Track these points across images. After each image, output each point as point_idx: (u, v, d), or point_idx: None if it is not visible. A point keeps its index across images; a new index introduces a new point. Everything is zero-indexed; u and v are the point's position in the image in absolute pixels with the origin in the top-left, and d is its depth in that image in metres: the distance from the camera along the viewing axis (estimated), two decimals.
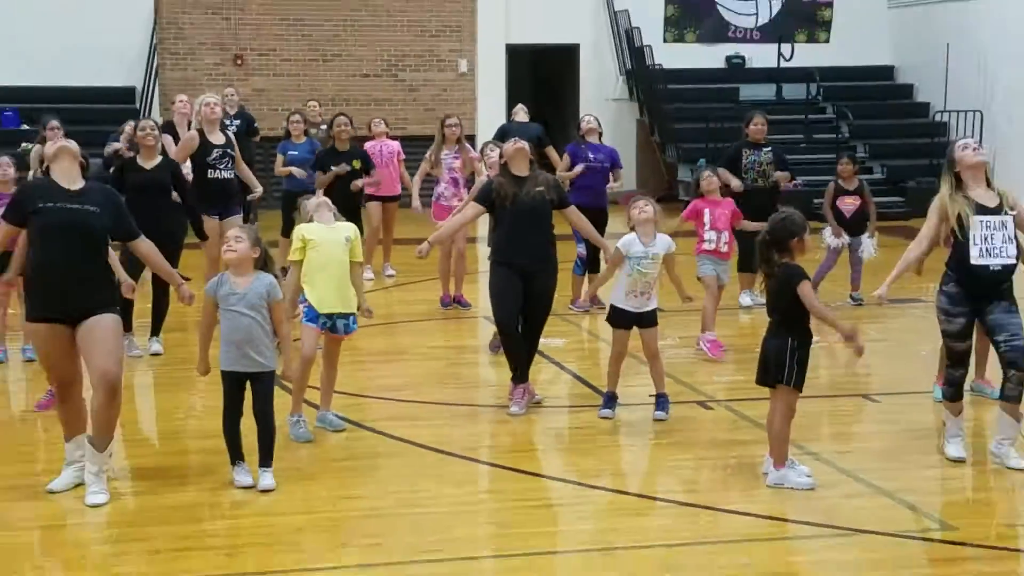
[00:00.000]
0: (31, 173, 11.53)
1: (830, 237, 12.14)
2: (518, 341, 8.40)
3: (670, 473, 7.27)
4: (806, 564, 5.80)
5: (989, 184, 7.22)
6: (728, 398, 8.76)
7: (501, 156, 8.74)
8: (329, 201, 7.97)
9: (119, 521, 6.34)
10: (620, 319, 8.14)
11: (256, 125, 17.07)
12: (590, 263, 11.65)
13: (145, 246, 6.99)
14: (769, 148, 11.96)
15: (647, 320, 8.12)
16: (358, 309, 7.83)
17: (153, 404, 9.06)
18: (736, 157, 11.84)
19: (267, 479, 6.74)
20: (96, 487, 6.59)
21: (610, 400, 8.29)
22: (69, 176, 6.70)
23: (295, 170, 13.27)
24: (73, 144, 6.92)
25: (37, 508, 6.51)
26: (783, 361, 6.72)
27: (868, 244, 12.26)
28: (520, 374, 8.42)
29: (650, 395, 8.32)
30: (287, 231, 11.79)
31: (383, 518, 6.34)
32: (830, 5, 23.71)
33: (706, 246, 10.28)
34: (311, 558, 5.84)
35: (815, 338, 6.87)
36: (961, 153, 7.20)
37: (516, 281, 8.31)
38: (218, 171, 11.04)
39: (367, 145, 13.66)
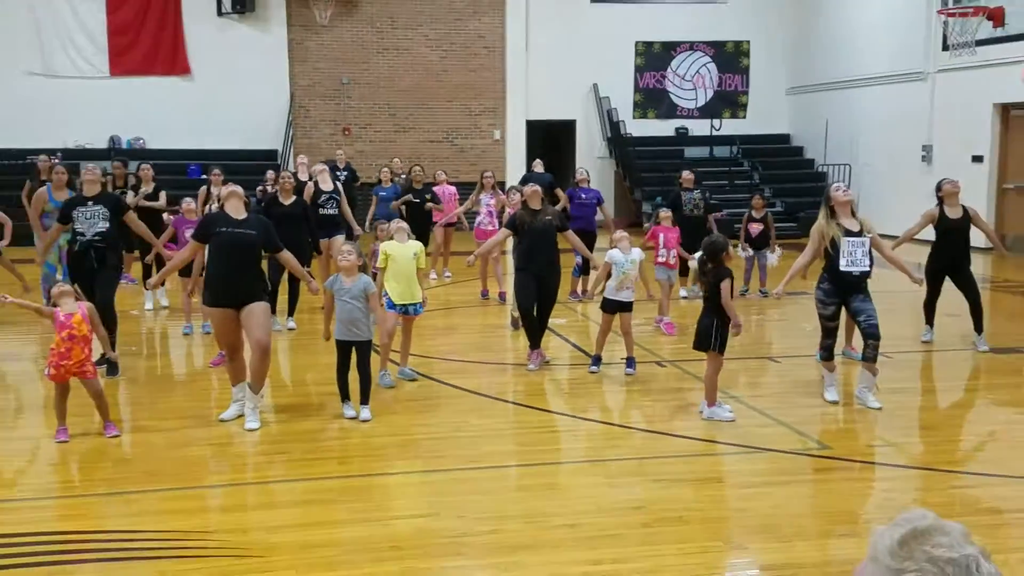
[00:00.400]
0: (207, 207, 11.63)
1: (741, 250, 12.16)
2: (534, 321, 8.41)
3: (638, 409, 7.28)
4: (730, 472, 5.80)
5: (854, 214, 7.19)
6: (675, 359, 8.76)
7: (522, 195, 8.73)
8: (407, 227, 7.98)
9: (267, 440, 6.40)
10: (609, 306, 8.14)
11: (358, 175, 17.13)
12: (583, 268, 11.66)
13: (286, 255, 7.03)
14: (698, 190, 11.91)
15: (626, 307, 8.12)
16: (422, 299, 7.85)
17: (289, 362, 9.11)
18: (677, 197, 11.82)
19: (365, 412, 6.78)
20: (252, 417, 6.63)
21: (596, 361, 8.28)
22: (236, 209, 6.75)
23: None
24: (239, 188, 6.98)
25: (211, 431, 6.58)
26: (711, 334, 6.71)
27: (772, 256, 12.26)
28: (534, 343, 8.42)
29: (622, 358, 8.32)
30: None
31: (441, 439, 6.36)
32: (747, 92, 23.62)
33: (660, 259, 10.31)
34: (394, 465, 5.87)
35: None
36: (834, 193, 7.17)
37: (532, 281, 8.31)
38: (326, 209, 11.00)
39: (434, 189, 13.67)
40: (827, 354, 7.28)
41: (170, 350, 9.68)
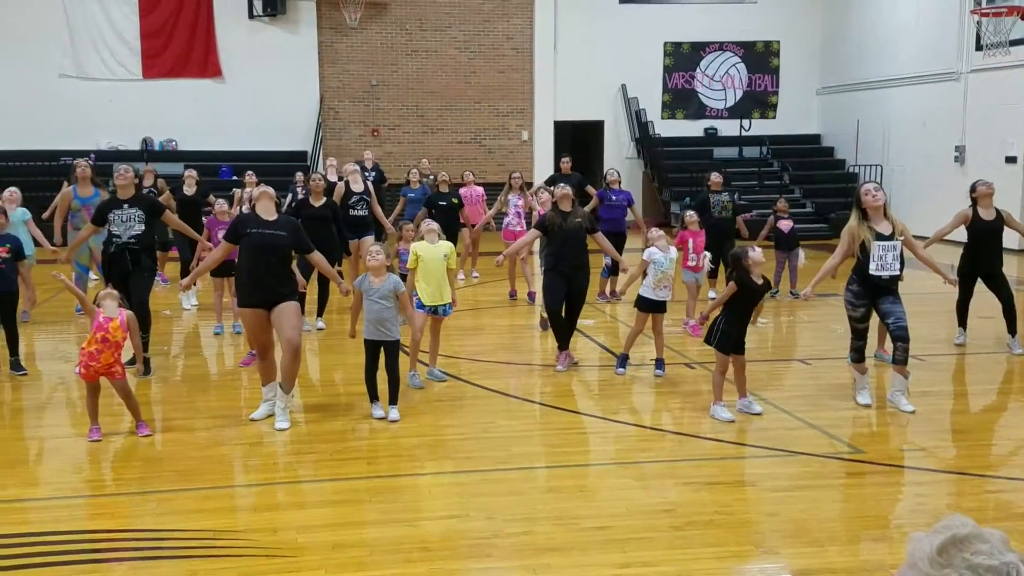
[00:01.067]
0: (239, 208, 11.74)
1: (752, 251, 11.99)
2: (562, 322, 8.39)
3: (667, 412, 7.23)
4: (761, 475, 5.74)
5: (886, 215, 7.10)
6: (703, 361, 8.70)
7: (552, 196, 8.71)
8: (438, 227, 7.98)
9: (296, 440, 6.42)
10: (645, 305, 8.09)
11: (386, 176, 17.20)
12: (612, 269, 11.62)
13: (316, 256, 7.05)
14: (726, 192, 11.79)
15: (661, 307, 8.10)
16: (451, 300, 7.86)
17: (318, 362, 9.15)
18: (705, 199, 11.69)
19: (394, 413, 6.79)
20: (282, 417, 6.66)
21: (623, 361, 8.25)
22: (268, 210, 6.78)
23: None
24: (271, 189, 7.01)
25: (242, 431, 6.61)
26: (712, 328, 6.74)
27: (801, 255, 12.18)
28: (563, 344, 8.40)
29: (651, 359, 8.27)
30: None
31: (470, 440, 6.35)
32: (776, 92, 23.47)
33: (689, 263, 10.24)
34: (423, 466, 5.87)
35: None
36: (864, 197, 7.07)
37: (561, 282, 8.29)
38: (356, 210, 11.04)
39: (462, 190, 13.67)
40: (858, 356, 7.21)
41: (202, 350, 9.76)
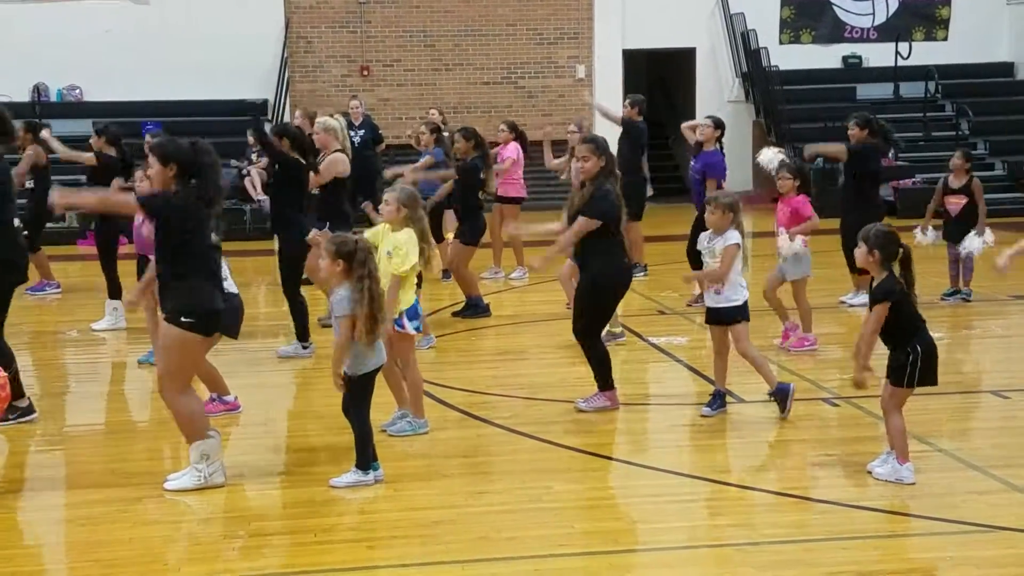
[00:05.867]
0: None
1: (921, 233, 11.80)
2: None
3: (794, 470, 7.18)
4: (944, 561, 5.64)
5: None
6: (848, 395, 8.57)
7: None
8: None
9: (260, 514, 6.42)
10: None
11: (382, 134, 17.19)
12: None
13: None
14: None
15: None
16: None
17: (286, 405, 9.12)
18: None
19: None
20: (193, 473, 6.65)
21: (720, 400, 8.17)
22: None
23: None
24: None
25: (176, 503, 6.62)
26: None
27: (978, 240, 11.71)
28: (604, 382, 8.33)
29: (768, 393, 8.14)
30: (438, 236, 11.75)
31: (511, 513, 6.30)
32: (948, 3, 23.24)
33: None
34: (444, 551, 5.82)
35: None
36: None
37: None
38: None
39: (498, 149, 13.51)
40: None
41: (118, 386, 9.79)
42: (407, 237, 7.49)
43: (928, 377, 6.56)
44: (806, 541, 5.86)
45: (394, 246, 7.46)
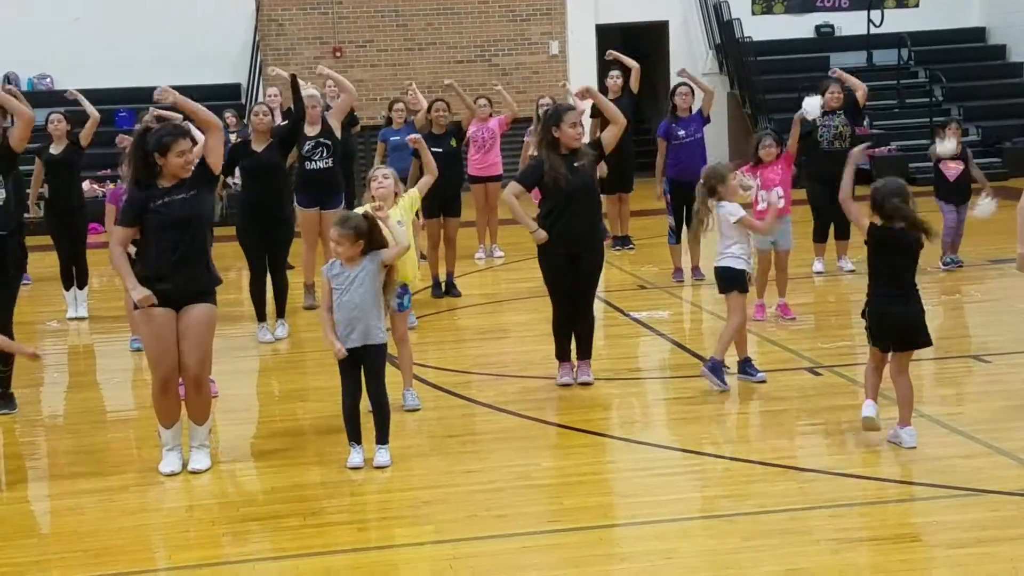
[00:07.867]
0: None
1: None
2: (566, 325, 8.37)
3: (783, 439, 7.19)
4: (931, 525, 5.69)
5: None
6: (834, 363, 8.61)
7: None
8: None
9: (249, 500, 6.43)
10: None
11: (356, 115, 17.11)
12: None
13: None
14: (842, 111, 11.64)
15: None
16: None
17: (276, 388, 9.13)
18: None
19: (382, 456, 6.76)
20: (200, 455, 6.67)
21: (719, 370, 8.14)
22: None
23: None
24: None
25: (165, 489, 6.61)
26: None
27: (986, 202, 11.68)
28: (562, 354, 8.35)
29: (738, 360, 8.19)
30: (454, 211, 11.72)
31: (499, 491, 6.33)
32: None
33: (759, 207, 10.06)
34: (434, 531, 5.85)
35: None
36: None
37: (561, 263, 8.24)
38: (313, 161, 10.82)
39: (473, 127, 13.42)
40: None
41: (104, 375, 9.79)
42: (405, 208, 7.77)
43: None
44: (793, 510, 5.88)
45: (401, 216, 7.55)
